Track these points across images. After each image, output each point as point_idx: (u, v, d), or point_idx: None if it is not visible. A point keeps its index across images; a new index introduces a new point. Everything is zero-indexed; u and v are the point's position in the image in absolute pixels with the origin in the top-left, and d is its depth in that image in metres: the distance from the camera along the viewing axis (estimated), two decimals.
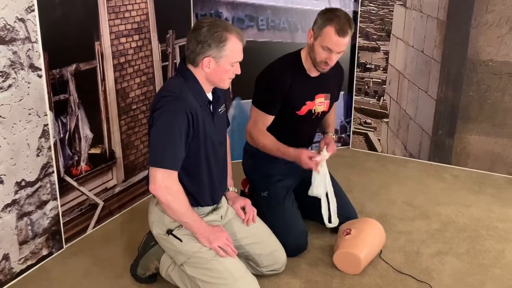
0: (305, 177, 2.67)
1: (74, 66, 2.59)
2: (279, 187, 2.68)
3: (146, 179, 2.14)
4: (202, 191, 2.20)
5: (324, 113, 2.76)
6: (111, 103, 2.86)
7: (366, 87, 3.99)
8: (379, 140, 4.07)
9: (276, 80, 2.57)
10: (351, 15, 3.83)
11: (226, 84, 2.14)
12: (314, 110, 2.67)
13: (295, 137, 2.70)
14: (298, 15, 3.73)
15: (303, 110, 2.63)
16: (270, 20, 3.67)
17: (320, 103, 2.69)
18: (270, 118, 2.62)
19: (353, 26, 2.48)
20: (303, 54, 2.61)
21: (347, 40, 2.45)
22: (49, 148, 2.48)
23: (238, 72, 2.12)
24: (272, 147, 2.62)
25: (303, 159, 2.54)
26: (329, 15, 2.44)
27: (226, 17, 3.54)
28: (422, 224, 2.98)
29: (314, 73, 2.62)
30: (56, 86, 2.50)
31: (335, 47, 2.44)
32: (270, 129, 2.65)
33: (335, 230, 2.73)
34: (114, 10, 2.79)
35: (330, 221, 2.70)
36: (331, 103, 2.78)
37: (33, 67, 2.34)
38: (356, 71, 3.98)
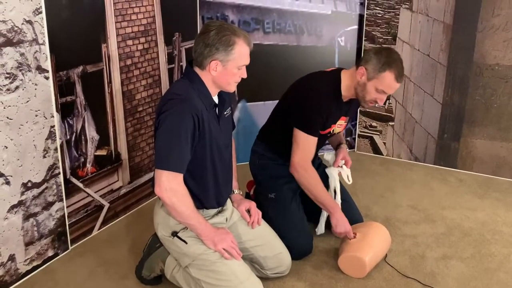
0: None
1: (81, 68, 2.60)
2: (286, 189, 2.68)
3: (152, 181, 2.15)
4: (208, 194, 2.21)
5: (338, 133, 2.79)
6: (117, 105, 2.87)
7: None
8: (384, 143, 4.07)
9: (324, 104, 2.50)
10: (357, 18, 3.86)
11: (232, 87, 2.15)
12: (333, 131, 2.68)
13: None
14: (304, 18, 3.74)
15: (326, 131, 2.63)
16: (276, 23, 3.68)
17: (339, 125, 2.69)
18: (316, 141, 2.57)
19: None
20: (344, 81, 2.54)
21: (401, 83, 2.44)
22: (56, 149, 2.49)
23: (245, 75, 2.13)
24: (319, 192, 2.57)
25: (346, 227, 2.54)
26: (387, 59, 2.38)
27: (232, 20, 3.54)
28: (427, 228, 2.97)
29: (346, 99, 2.59)
30: (63, 88, 2.51)
31: (391, 91, 2.43)
32: (281, 142, 2.66)
33: None
34: (121, 13, 2.81)
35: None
36: (347, 124, 2.80)
37: (40, 69, 2.35)
38: None
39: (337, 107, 2.58)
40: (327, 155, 2.82)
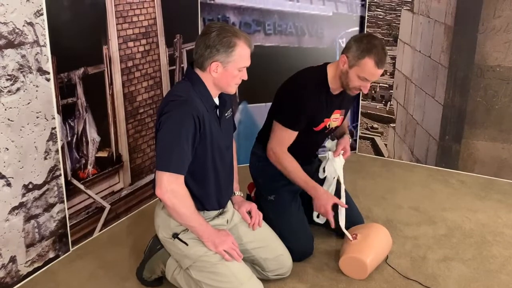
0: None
1: (82, 69, 2.61)
2: (286, 191, 2.68)
3: (153, 182, 2.15)
4: (208, 195, 2.21)
5: (337, 127, 2.76)
6: (118, 107, 2.88)
7: (373, 92, 3.99)
8: (385, 145, 4.07)
9: (305, 100, 2.50)
10: (358, 20, 3.86)
11: (232, 89, 2.15)
12: (329, 125, 2.66)
13: (303, 149, 2.69)
14: (305, 20, 3.74)
15: (320, 126, 2.62)
16: (277, 25, 3.68)
17: (335, 119, 2.68)
18: (295, 135, 2.57)
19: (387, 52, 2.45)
20: (330, 72, 2.54)
21: (383, 69, 2.43)
22: (57, 151, 2.49)
23: (245, 77, 2.13)
24: (296, 175, 2.58)
25: (326, 206, 2.54)
26: (366, 45, 2.37)
27: (233, 22, 3.55)
28: (428, 230, 2.97)
29: (336, 91, 2.58)
30: (64, 90, 2.51)
31: (373, 77, 2.42)
32: None
33: (341, 235, 2.73)
34: (122, 15, 2.81)
35: (318, 217, 2.75)
36: (344, 117, 2.78)
37: (42, 71, 2.35)
38: None
39: (328, 101, 2.57)
40: (328, 143, 2.81)
